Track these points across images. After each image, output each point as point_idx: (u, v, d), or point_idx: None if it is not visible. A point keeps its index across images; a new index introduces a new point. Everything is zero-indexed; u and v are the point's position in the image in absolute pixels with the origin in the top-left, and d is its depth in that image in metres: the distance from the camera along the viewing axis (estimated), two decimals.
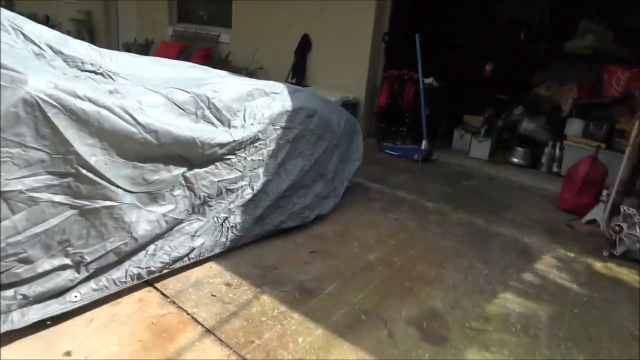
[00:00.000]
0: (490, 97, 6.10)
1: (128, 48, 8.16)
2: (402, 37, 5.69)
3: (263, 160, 3.00)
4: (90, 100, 2.02)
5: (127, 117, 2.15)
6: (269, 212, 3.12)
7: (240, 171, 2.86)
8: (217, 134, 2.62)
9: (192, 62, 7.14)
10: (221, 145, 2.63)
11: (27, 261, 2.03)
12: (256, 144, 2.92)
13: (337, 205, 3.72)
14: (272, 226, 3.17)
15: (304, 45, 6.36)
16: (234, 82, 2.93)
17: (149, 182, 2.38)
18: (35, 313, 2.09)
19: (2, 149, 1.81)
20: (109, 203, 2.20)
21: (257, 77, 6.83)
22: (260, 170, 3.00)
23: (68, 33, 8.25)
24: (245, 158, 2.87)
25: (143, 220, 2.39)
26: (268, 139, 3.00)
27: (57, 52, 2.18)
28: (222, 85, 2.79)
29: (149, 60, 2.98)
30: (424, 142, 5.41)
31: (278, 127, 3.06)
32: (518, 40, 6.64)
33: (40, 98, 1.86)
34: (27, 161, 1.90)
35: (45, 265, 2.09)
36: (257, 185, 2.98)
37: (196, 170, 2.60)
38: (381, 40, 5.75)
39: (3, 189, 1.85)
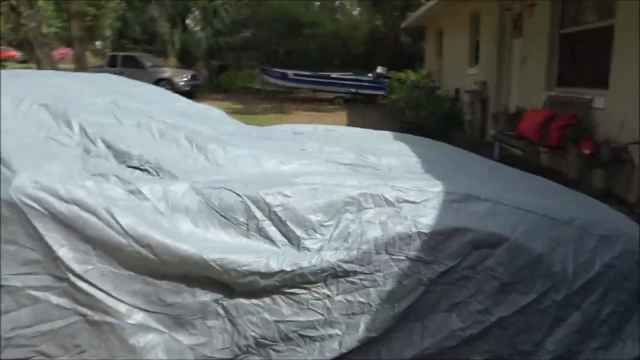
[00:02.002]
0: None
1: (497, 118, 7.48)
2: None
3: (369, 304, 1.91)
4: (74, 202, 1.80)
5: (114, 224, 1.79)
6: None
7: (321, 314, 1.92)
8: (262, 258, 1.84)
9: (551, 134, 5.82)
10: (263, 275, 1.83)
11: (45, 355, 1.99)
12: (351, 279, 1.89)
13: None
14: None
15: None
16: (340, 182, 2.02)
17: (167, 303, 1.91)
18: None
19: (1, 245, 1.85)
20: (109, 319, 1.90)
21: (629, 156, 4.78)
22: (363, 320, 1.92)
23: (462, 103, 8.44)
24: (328, 296, 1.91)
25: (160, 347, 1.93)
26: (377, 273, 1.89)
27: (110, 147, 2.08)
28: (307, 188, 1.96)
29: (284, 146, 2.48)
30: None
31: (401, 258, 1.89)
32: None
33: (19, 199, 1.79)
34: (24, 259, 1.87)
35: None
36: (352, 341, 1.91)
37: (239, 300, 1.91)
38: None
39: (4, 283, 1.88)
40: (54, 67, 14.96)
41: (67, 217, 1.80)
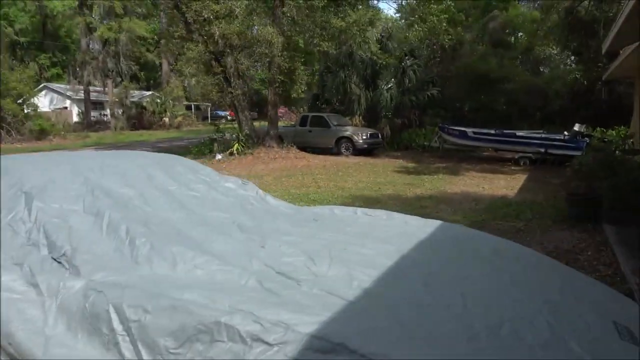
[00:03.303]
0: None
1: None
2: None
3: None
4: None
5: None
6: None
7: None
8: None
9: None
10: None
11: None
12: None
13: None
14: None
15: None
16: (210, 302, 1.72)
17: None
18: None
19: None
20: None
21: None
22: None
23: None
24: None
25: None
26: None
27: (46, 236, 2.21)
28: (168, 305, 1.73)
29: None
30: None
31: None
32: None
33: None
34: None
35: None
36: None
37: None
38: None
39: None
40: (250, 125, 17.38)
41: None
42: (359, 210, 3.40)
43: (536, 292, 2.18)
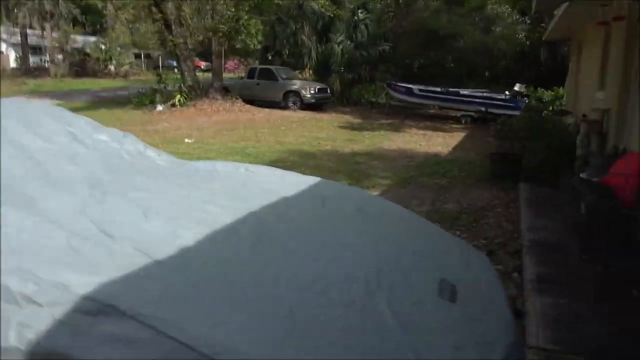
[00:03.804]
0: None
1: (586, 158, 5.90)
2: None
3: None
4: None
5: None
6: None
7: None
8: None
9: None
10: None
11: None
12: None
13: None
14: None
15: None
16: None
17: None
18: None
19: None
20: None
21: None
22: None
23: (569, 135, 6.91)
24: None
25: None
26: None
27: None
28: None
29: None
30: None
31: None
32: None
33: None
34: None
35: None
36: None
37: None
38: None
39: None
40: (193, 76, 16.76)
41: None
42: (242, 166, 3.32)
43: (373, 251, 2.19)
